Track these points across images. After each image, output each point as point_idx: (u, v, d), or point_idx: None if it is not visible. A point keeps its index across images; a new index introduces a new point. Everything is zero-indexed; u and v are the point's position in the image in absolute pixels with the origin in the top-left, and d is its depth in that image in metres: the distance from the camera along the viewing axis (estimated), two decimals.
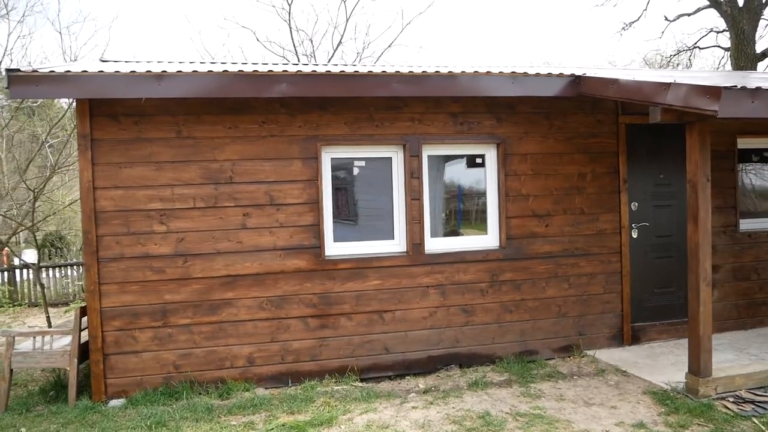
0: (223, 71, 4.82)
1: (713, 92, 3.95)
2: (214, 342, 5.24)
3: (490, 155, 6.01)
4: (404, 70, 5.39)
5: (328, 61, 17.26)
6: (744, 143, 6.85)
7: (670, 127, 6.48)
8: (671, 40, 39.54)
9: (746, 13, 14.08)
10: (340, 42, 17.38)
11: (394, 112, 5.65)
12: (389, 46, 19.00)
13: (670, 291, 6.53)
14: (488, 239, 6.02)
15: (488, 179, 6.03)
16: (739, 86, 3.94)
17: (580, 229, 6.19)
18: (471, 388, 5.20)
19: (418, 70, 5.38)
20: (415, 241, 5.72)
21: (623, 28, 16.73)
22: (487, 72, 5.47)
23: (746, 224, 6.84)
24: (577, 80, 5.63)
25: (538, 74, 5.58)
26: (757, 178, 7.08)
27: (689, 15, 15.86)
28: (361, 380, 5.56)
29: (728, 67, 16.42)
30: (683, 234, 6.49)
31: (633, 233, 6.38)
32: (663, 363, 5.71)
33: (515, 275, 5.99)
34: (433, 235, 5.90)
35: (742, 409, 4.45)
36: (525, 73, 5.56)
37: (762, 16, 14.42)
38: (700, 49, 17.63)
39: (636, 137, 6.37)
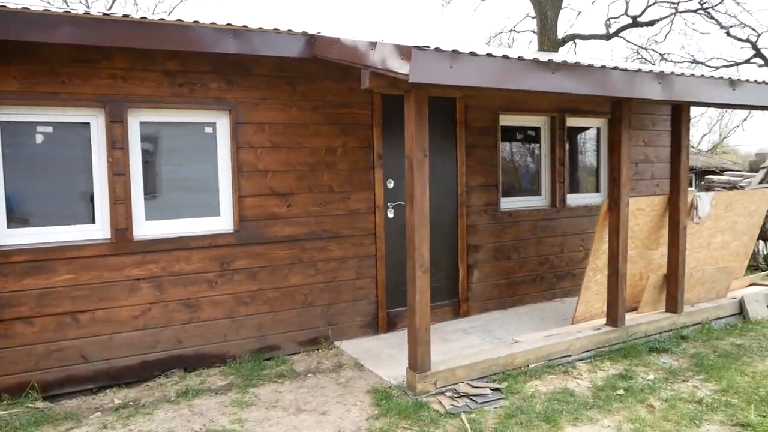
0: None
1: (405, 53, 3.40)
2: None
3: (221, 124, 5.16)
4: (80, 11, 4.31)
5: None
6: (507, 120, 6.66)
7: (431, 99, 6.07)
8: (497, 22, 41.53)
9: (549, 0, 14.57)
10: None
11: (89, 66, 4.58)
12: (182, 1, 17.61)
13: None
14: (219, 222, 5.20)
15: (219, 152, 5.19)
16: (433, 47, 3.42)
17: (329, 209, 5.58)
18: (175, 400, 4.39)
19: (97, 14, 4.32)
20: (121, 226, 4.74)
21: (443, 5, 16.71)
22: (195, 22, 4.57)
23: (507, 203, 6.70)
24: (312, 40, 4.93)
25: (262, 29, 4.79)
26: (519, 156, 6.97)
27: None
28: (49, 398, 4.52)
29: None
30: (442, 213, 6.17)
31: (389, 213, 5.91)
32: (407, 353, 5.30)
33: (251, 262, 5.24)
34: (149, 217, 4.94)
35: (454, 406, 4.09)
36: (245, 26, 4.73)
37: (563, 6, 15.03)
38: (516, 32, 18.19)
39: (392, 109, 5.86)
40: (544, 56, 4.06)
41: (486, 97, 6.33)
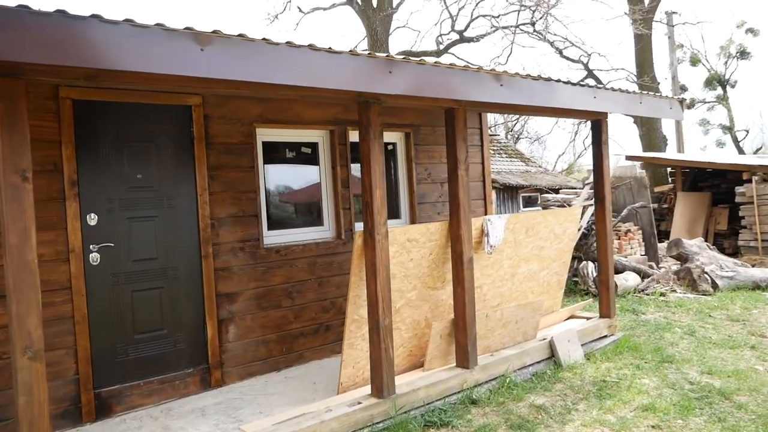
0: None
1: None
2: None
3: None
4: None
5: None
6: (270, 135, 5.37)
7: (152, 109, 4.67)
8: (335, 41, 42.07)
9: (379, 14, 13.78)
10: None
11: None
12: None
13: (160, 334, 4.69)
14: None
15: None
16: None
17: None
18: None
19: None
20: None
21: (270, 21, 15.51)
22: None
23: (275, 237, 5.37)
24: None
25: None
26: (293, 178, 5.68)
27: (325, 9, 15.24)
28: None
29: None
30: (177, 254, 4.72)
31: (92, 258, 4.37)
32: None
33: None
34: None
35: None
36: None
37: (402, 26, 14.36)
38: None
39: (94, 119, 4.38)
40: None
41: (233, 104, 5.01)
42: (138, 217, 4.58)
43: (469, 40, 14.47)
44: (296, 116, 5.41)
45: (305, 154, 5.67)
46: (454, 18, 14.26)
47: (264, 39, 2.80)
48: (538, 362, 5.16)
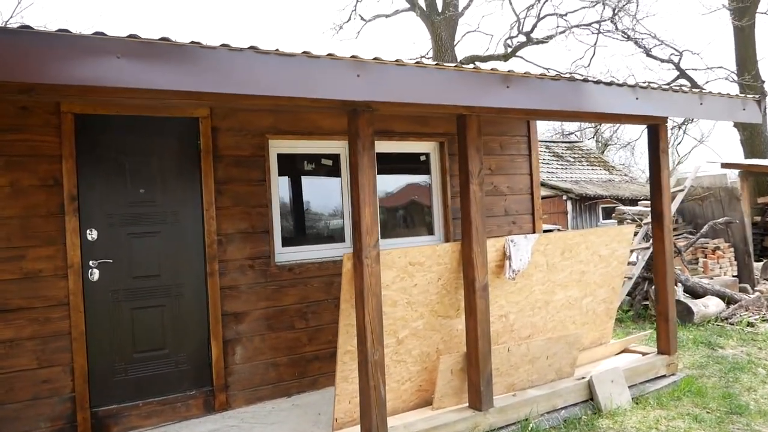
0: None
1: None
2: None
3: None
4: None
5: None
6: (284, 146, 5.12)
7: (156, 122, 4.56)
8: (406, 49, 41.58)
9: (444, 20, 13.25)
10: None
11: None
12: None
13: (161, 354, 4.55)
14: None
15: None
16: None
17: None
18: None
19: None
20: None
21: (336, 31, 15.48)
22: None
23: (289, 254, 5.10)
24: None
25: None
26: (312, 192, 5.39)
27: (387, 16, 14.92)
28: None
29: None
30: (177, 272, 4.57)
31: (92, 275, 4.30)
32: None
33: None
34: None
35: None
36: None
37: (462, 25, 13.84)
38: (427, 59, 16.99)
39: (96, 134, 4.33)
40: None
41: (242, 116, 4.81)
42: (140, 233, 4.47)
43: (537, 41, 13.59)
44: (313, 126, 5.12)
45: (326, 167, 5.37)
46: (522, 19, 13.50)
47: (193, 42, 2.51)
48: (573, 405, 4.51)
